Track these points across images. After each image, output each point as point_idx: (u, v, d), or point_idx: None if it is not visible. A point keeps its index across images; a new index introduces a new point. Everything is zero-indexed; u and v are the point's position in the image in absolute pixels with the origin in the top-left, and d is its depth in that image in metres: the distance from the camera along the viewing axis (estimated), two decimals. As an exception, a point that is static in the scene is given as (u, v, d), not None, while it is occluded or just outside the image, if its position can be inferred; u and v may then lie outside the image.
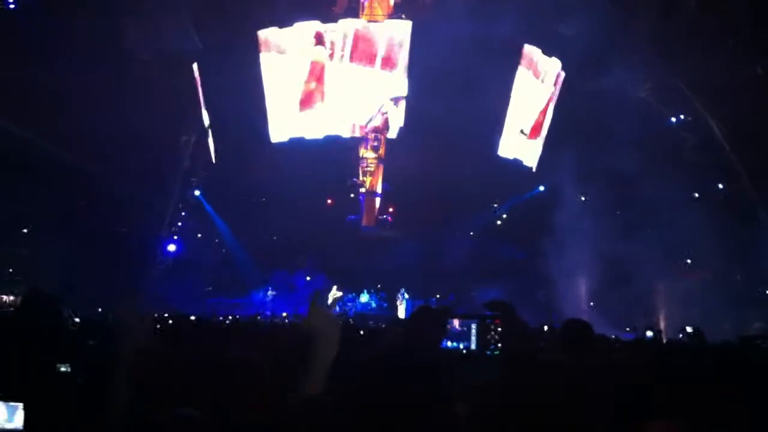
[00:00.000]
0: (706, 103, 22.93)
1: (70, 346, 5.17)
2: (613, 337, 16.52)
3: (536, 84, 25.29)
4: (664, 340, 15.77)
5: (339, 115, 25.19)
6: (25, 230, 24.15)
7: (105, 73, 20.91)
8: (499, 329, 4.31)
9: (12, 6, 21.43)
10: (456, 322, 8.74)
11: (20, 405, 3.45)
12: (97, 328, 8.29)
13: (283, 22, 24.04)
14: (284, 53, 24.33)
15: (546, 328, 14.03)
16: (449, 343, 8.69)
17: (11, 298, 22.65)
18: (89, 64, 20.51)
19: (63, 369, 4.38)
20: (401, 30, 24.02)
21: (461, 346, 8.45)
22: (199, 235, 27.50)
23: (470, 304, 24.03)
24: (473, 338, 8.22)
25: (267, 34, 24.25)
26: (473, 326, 8.28)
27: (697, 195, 23.40)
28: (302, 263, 26.54)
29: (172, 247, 26.54)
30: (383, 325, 16.37)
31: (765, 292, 22.28)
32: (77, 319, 11.25)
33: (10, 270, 24.16)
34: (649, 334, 16.15)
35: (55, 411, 3.64)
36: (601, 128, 21.94)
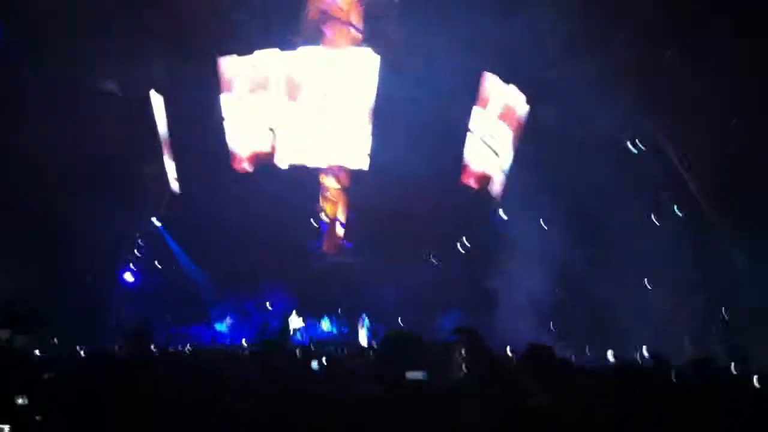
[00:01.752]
0: (661, 121, 23.30)
1: (28, 379, 5.02)
2: (572, 357, 16.74)
3: (499, 112, 25.45)
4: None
5: (302, 145, 25.14)
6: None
7: (62, 101, 20.70)
8: (464, 355, 4.33)
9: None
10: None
11: None
12: (54, 361, 8.13)
13: (243, 49, 24.01)
14: (245, 82, 24.30)
15: (509, 351, 14.01)
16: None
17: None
18: (47, 92, 20.32)
19: (20, 401, 4.25)
20: (366, 61, 24.11)
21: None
22: (158, 265, 27.11)
23: (432, 331, 24.09)
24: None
25: (227, 62, 24.21)
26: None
27: (657, 223, 23.76)
28: None
29: (129, 277, 26.15)
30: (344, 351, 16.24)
31: (724, 310, 22.59)
32: (36, 351, 11.01)
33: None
34: (611, 358, 16.26)
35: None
36: (559, 147, 22.32)
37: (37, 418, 3.93)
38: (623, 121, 23.17)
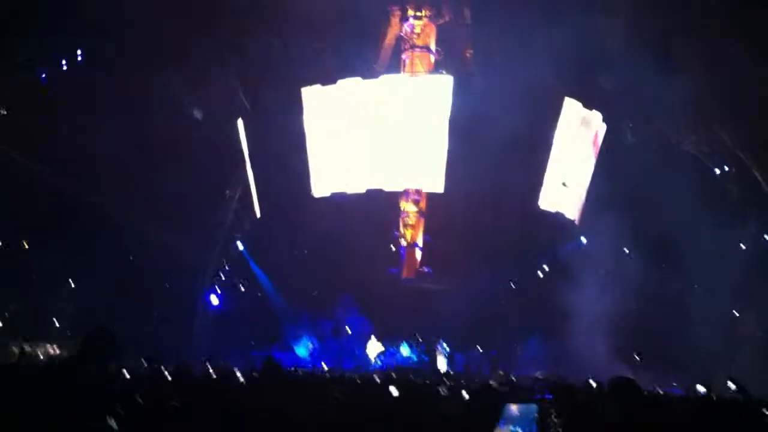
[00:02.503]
0: (751, 154, 22.69)
1: (118, 400, 5.08)
2: (661, 392, 16.17)
3: (577, 136, 25.28)
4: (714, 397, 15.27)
5: (380, 169, 25.37)
6: (72, 285, 24.65)
7: (152, 130, 21.56)
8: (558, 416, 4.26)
9: (64, 68, 22.33)
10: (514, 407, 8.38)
11: None
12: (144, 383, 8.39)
13: (327, 79, 24.61)
14: (327, 110, 24.82)
15: (593, 383, 13.66)
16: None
17: (57, 351, 23.09)
18: (138, 121, 21.21)
19: (111, 424, 4.24)
20: (443, 85, 24.33)
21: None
22: (242, 288, 27.73)
23: (512, 359, 23.82)
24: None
25: (310, 92, 24.83)
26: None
27: (743, 246, 22.94)
28: None
29: (215, 300, 26.80)
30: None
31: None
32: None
33: (57, 324, 24.59)
34: (701, 390, 15.61)
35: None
36: (643, 180, 21.80)
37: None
38: (704, 139, 22.61)
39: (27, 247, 21.21)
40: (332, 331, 27.24)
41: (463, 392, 7.23)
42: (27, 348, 21.84)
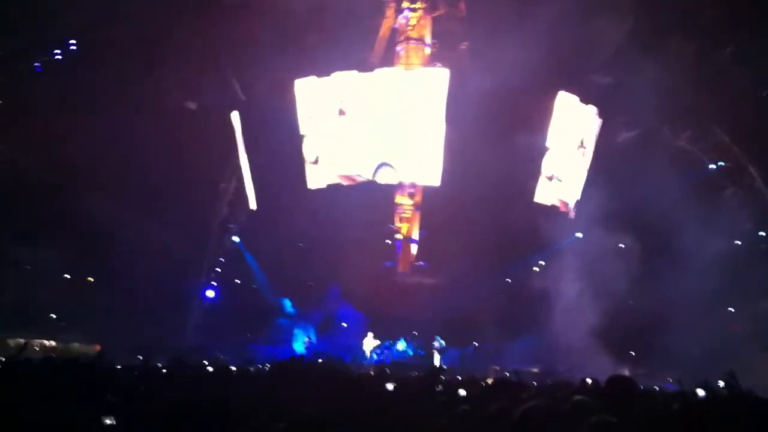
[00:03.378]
0: (746, 148, 22.66)
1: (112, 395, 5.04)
2: (657, 389, 16.12)
3: (571, 130, 25.23)
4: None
5: (375, 162, 25.26)
6: (67, 276, 24.57)
7: (146, 122, 21.44)
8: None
9: (59, 58, 22.18)
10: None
11: None
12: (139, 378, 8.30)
13: (321, 71, 24.49)
14: (322, 102, 24.68)
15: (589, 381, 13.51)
16: None
17: (53, 343, 23.03)
18: (131, 114, 21.10)
19: (108, 422, 4.13)
20: (438, 78, 24.19)
21: None
22: (237, 281, 27.65)
23: (508, 354, 23.80)
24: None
25: (305, 83, 24.69)
26: None
27: (739, 242, 22.90)
28: None
29: (210, 293, 26.74)
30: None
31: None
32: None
33: (53, 315, 24.53)
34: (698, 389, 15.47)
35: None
36: (638, 174, 21.74)
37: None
38: (699, 134, 22.58)
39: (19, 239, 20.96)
40: (323, 322, 27.21)
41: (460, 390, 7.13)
42: (23, 342, 21.84)
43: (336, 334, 27.01)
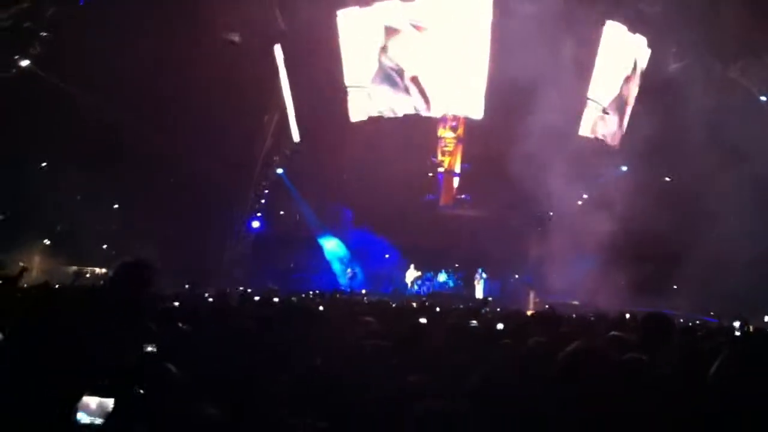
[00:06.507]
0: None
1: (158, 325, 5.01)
2: (698, 322, 16.15)
3: (619, 62, 24.60)
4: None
5: (417, 93, 25.09)
6: (116, 206, 25.22)
7: (188, 56, 21.51)
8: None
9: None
10: None
11: (111, 401, 2.84)
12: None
13: (363, 2, 24.17)
14: (364, 33, 24.43)
15: (628, 316, 13.56)
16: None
17: (104, 271, 23.91)
18: (174, 48, 21.16)
19: (150, 349, 3.98)
20: (482, 5, 23.56)
21: None
22: (282, 213, 28.11)
23: (548, 287, 23.95)
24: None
25: (347, 14, 24.45)
26: None
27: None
28: None
29: (255, 224, 27.30)
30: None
31: None
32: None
33: (105, 246, 25.34)
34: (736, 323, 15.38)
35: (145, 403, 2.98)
36: (686, 107, 21.16)
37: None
38: (751, 65, 21.78)
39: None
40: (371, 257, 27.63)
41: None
42: (78, 269, 22.76)
43: (377, 267, 27.51)
